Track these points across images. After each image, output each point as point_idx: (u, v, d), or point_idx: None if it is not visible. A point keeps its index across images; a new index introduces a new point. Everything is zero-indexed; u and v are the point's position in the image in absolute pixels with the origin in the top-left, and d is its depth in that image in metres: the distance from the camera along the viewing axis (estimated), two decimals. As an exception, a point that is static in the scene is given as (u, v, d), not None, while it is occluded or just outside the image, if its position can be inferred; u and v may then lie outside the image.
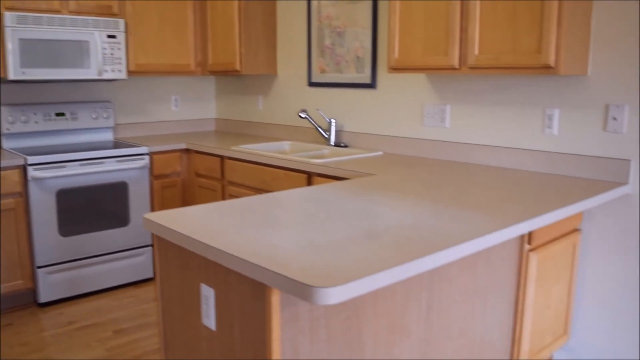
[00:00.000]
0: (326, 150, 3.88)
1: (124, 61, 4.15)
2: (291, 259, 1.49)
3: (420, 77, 3.50)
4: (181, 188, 4.33)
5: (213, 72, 4.60)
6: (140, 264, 4.17)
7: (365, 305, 1.76)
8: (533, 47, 2.56)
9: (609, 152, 2.76)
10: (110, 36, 4.05)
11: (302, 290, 1.32)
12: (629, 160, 2.69)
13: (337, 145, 3.94)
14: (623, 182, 2.71)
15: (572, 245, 2.82)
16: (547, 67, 2.54)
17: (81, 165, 3.79)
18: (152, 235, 1.97)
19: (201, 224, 1.84)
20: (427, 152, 3.50)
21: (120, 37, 4.11)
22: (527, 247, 2.48)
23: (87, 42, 3.95)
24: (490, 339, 2.42)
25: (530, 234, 2.46)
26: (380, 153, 3.65)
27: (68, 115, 4.27)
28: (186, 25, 4.54)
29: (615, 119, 2.71)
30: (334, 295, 1.31)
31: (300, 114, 3.93)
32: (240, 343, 1.63)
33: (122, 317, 3.62)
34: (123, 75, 4.15)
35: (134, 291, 4.08)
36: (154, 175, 4.18)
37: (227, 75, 5.06)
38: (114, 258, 4.03)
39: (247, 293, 1.56)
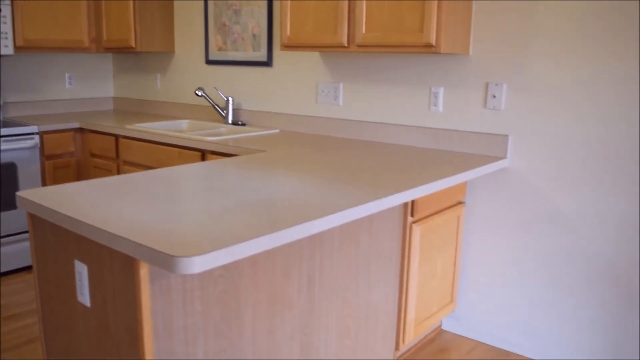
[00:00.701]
0: (223, 128, 3.86)
1: (10, 36, 3.96)
2: (159, 232, 1.49)
3: (314, 56, 3.54)
4: (75, 169, 4.20)
5: (108, 49, 4.46)
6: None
7: (243, 277, 1.79)
8: (416, 26, 2.64)
9: (489, 128, 2.90)
10: (-9, 9, 3.85)
11: (164, 261, 1.33)
12: (507, 136, 2.83)
13: (234, 123, 3.93)
14: (502, 157, 2.86)
15: (456, 218, 2.95)
16: (428, 46, 2.63)
17: (-36, 145, 3.61)
18: (27, 214, 1.91)
19: (76, 200, 1.80)
20: (321, 129, 3.55)
21: (6, 10, 3.91)
22: (410, 219, 2.57)
23: (-32, 15, 3.74)
24: (376, 309, 2.50)
25: (413, 206, 2.56)
26: (276, 131, 3.68)
27: (-50, 92, 4.04)
28: (78, -1, 4.38)
29: (494, 96, 2.85)
30: (196, 264, 1.32)
31: (197, 92, 3.89)
32: (114, 318, 1.62)
33: (14, 303, 3.50)
34: (10, 50, 3.96)
35: (26, 276, 3.94)
36: (45, 156, 4.03)
37: (123, 53, 4.93)
38: (4, 242, 3.87)
39: (118, 267, 1.55)
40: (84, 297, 1.72)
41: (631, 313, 2.60)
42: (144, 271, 1.47)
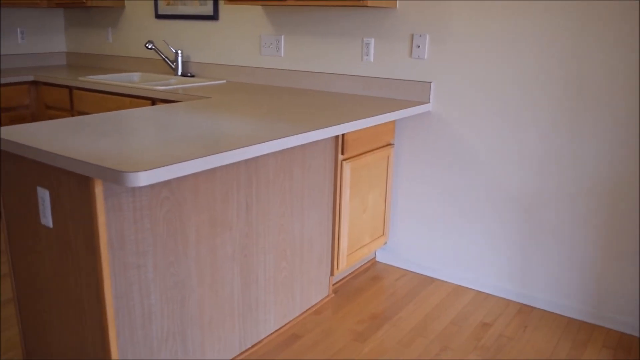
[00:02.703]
0: (173, 79, 4.08)
1: (-39, -9, 4.06)
2: (111, 155, 1.75)
3: (257, 10, 3.77)
4: (30, 120, 4.37)
5: (60, 4, 4.59)
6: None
7: (186, 200, 2.07)
8: (344, -19, 2.90)
9: (415, 75, 3.20)
10: (-57, -36, 3.94)
11: (115, 176, 1.60)
12: (429, 83, 3.14)
13: (184, 75, 4.15)
14: (426, 102, 3.17)
15: (386, 157, 3.26)
16: (356, -1, 2.90)
17: None
18: (-9, 150, 2.14)
19: (36, 135, 2.04)
20: (265, 79, 3.81)
21: (-44, -34, 4.01)
22: (341, 157, 2.88)
23: None
24: (310, 236, 2.82)
25: (343, 144, 2.86)
26: (223, 81, 3.92)
27: None
28: (28, -45, 4.48)
29: (418, 46, 3.14)
30: (142, 178, 1.60)
31: (147, 45, 4.08)
32: (74, 235, 1.88)
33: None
34: (-39, 5, 4.08)
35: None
36: (1, 108, 4.19)
37: (74, 8, 5.05)
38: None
39: (76, 188, 1.81)
40: (47, 219, 1.97)
41: (539, 241, 2.98)
42: (98, 189, 1.74)
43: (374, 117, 2.71)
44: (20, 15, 4.91)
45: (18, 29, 4.92)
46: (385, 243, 3.49)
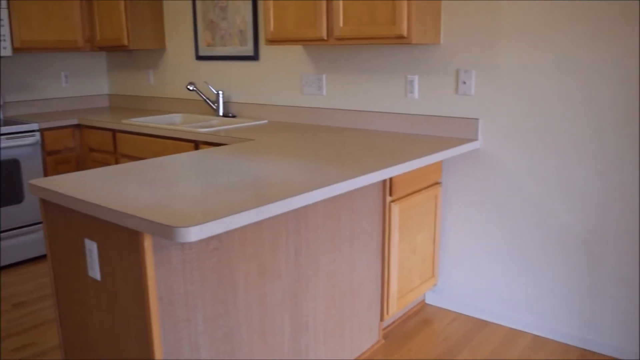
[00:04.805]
0: (215, 120, 4.07)
1: (8, 38, 4.15)
2: (161, 208, 1.71)
3: (298, 49, 3.75)
4: (75, 163, 4.41)
5: (102, 48, 4.66)
6: (37, 240, 4.23)
7: (234, 249, 2.01)
8: (388, 19, 2.86)
9: (461, 112, 3.12)
10: (-9, 13, 4.04)
11: (165, 231, 1.55)
12: (477, 119, 3.06)
13: (225, 115, 4.14)
14: (473, 139, 3.08)
15: (434, 197, 3.17)
16: (400, 37, 2.85)
17: (-31, 143, 3.81)
18: (39, 200, 2.13)
19: (83, 185, 2.01)
20: (307, 118, 3.77)
21: (3, 14, 4.10)
22: (389, 198, 2.80)
23: (-33, 19, 3.93)
24: (360, 281, 2.73)
25: (391, 186, 2.78)
26: (265, 121, 3.89)
27: (-48, 94, 4.23)
28: (71, 0, 4.57)
29: (464, 82, 3.07)
30: (193, 233, 1.54)
31: (188, 86, 4.10)
32: (122, 288, 1.84)
33: (20, 292, 3.70)
34: (8, 52, 4.16)
35: (31, 267, 4.14)
36: (46, 152, 4.24)
37: (116, 51, 5.12)
38: (9, 235, 4.08)
39: (125, 241, 1.77)
40: (95, 271, 1.94)
41: (600, 281, 2.84)
42: (147, 243, 1.69)
43: (423, 158, 2.63)
44: (64, 59, 5.00)
45: (62, 73, 5.00)
46: (435, 285, 3.37)
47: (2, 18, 4.10)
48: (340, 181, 2.10)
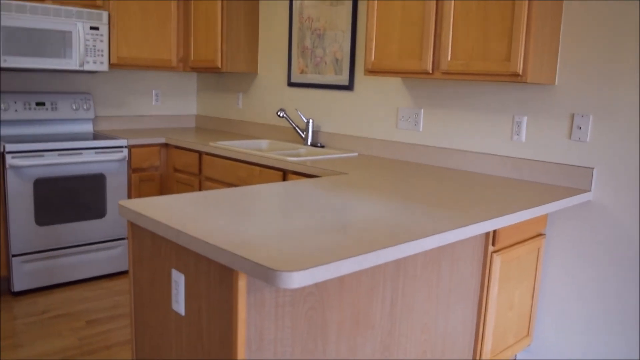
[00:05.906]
0: (303, 149, 3.95)
1: (105, 53, 4.18)
2: (258, 245, 1.56)
3: (395, 81, 3.59)
4: (159, 182, 4.37)
5: (194, 69, 4.65)
6: (115, 257, 4.20)
7: (330, 295, 1.83)
8: (502, 54, 2.65)
9: (574, 159, 2.87)
10: (93, 28, 4.08)
11: (266, 274, 1.39)
12: (592, 169, 2.79)
13: (313, 145, 4.01)
14: (586, 189, 2.81)
15: (536, 249, 2.91)
16: (515, 75, 2.63)
17: (59, 155, 3.82)
18: (127, 222, 2.02)
19: (174, 211, 1.89)
20: (400, 154, 3.58)
21: (103, 29, 4.14)
22: (491, 248, 2.57)
23: (69, 32, 3.98)
24: (453, 336, 2.50)
25: (495, 235, 2.55)
26: (355, 154, 3.73)
27: (48, 105, 4.29)
28: (169, 20, 4.59)
29: (580, 127, 2.81)
30: (296, 279, 1.38)
31: (278, 113, 4.00)
32: (207, 327, 1.69)
33: (95, 308, 3.65)
34: (105, 67, 4.19)
35: (107, 283, 4.11)
36: (132, 169, 4.22)
37: (208, 72, 5.11)
38: (89, 249, 4.06)
39: (216, 278, 1.62)
40: (179, 305, 1.80)
41: None
42: (242, 282, 1.54)
43: (533, 209, 2.39)
44: (156, 78, 5.02)
45: (153, 91, 5.02)
46: (529, 345, 3.09)
47: (102, 34, 4.13)
48: (452, 229, 1.90)
